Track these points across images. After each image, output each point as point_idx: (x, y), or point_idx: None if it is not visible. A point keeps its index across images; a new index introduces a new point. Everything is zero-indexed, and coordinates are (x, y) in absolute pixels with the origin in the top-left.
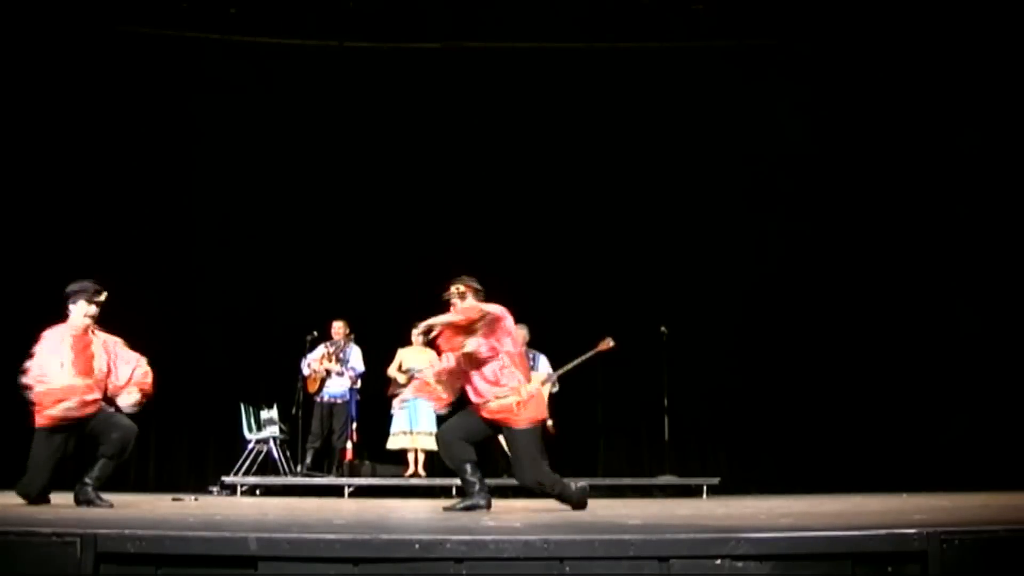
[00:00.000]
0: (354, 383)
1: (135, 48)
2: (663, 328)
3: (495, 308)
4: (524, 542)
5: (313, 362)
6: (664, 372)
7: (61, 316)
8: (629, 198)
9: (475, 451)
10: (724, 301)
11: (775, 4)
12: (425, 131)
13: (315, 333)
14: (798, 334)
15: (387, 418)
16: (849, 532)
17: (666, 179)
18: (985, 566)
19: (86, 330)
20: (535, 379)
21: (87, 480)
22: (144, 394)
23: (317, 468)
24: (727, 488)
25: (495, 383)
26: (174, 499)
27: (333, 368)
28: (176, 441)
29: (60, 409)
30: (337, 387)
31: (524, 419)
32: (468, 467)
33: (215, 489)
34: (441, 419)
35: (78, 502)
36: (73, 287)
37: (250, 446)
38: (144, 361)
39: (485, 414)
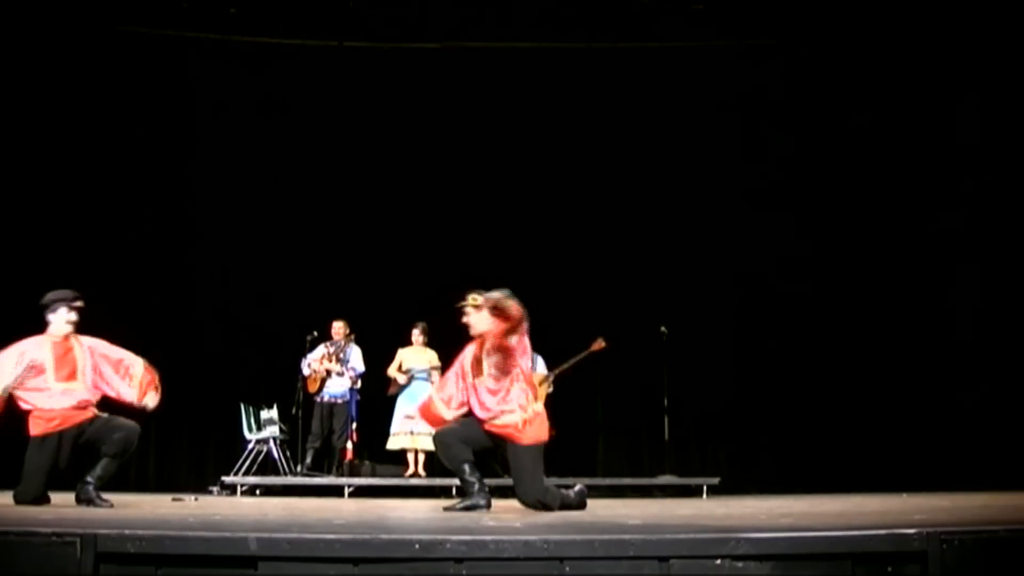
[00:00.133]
0: (354, 383)
1: (135, 48)
2: (663, 328)
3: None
4: (524, 542)
5: (313, 362)
6: (664, 372)
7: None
8: (629, 198)
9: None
10: (724, 301)
11: (775, 4)
12: (425, 131)
13: (315, 333)
14: (798, 334)
15: (387, 418)
16: (849, 532)
17: (666, 179)
18: (985, 566)
19: (67, 337)
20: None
21: (89, 479)
22: (157, 389)
23: (317, 468)
24: (727, 488)
25: (504, 399)
26: (174, 499)
27: (333, 368)
28: (176, 441)
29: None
30: (337, 387)
31: (528, 437)
32: (466, 467)
33: (215, 489)
34: None
35: (79, 501)
36: (50, 296)
37: (250, 446)
38: (134, 356)
39: (488, 428)
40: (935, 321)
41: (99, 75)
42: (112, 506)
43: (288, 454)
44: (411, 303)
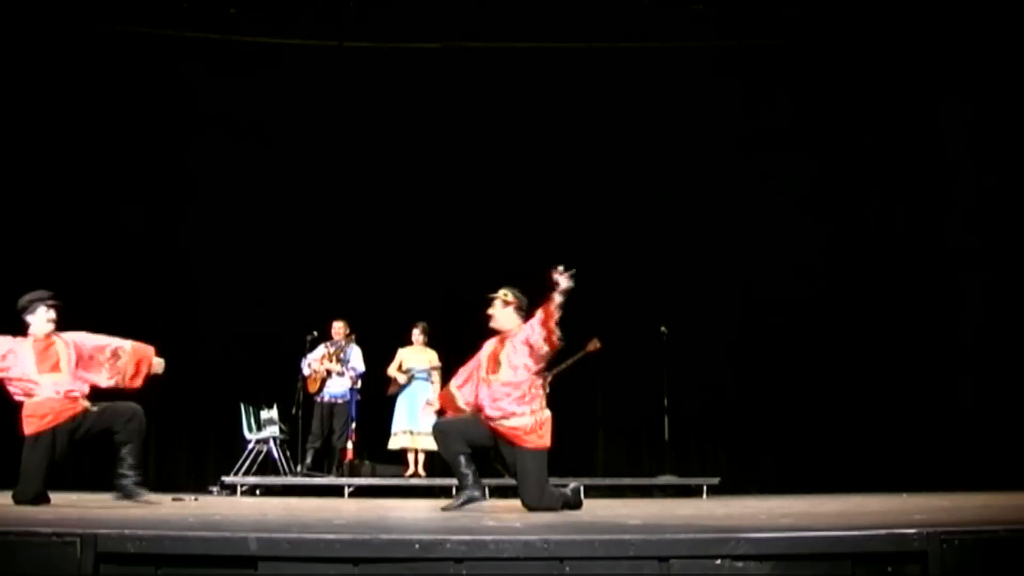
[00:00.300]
0: (354, 383)
1: (135, 48)
2: (663, 328)
3: None
4: (524, 542)
5: (313, 362)
6: (664, 372)
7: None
8: (629, 198)
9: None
10: (724, 301)
11: (775, 4)
12: (425, 131)
13: (315, 333)
14: (798, 334)
15: (387, 418)
16: (849, 532)
17: (666, 179)
18: (985, 566)
19: (48, 335)
20: None
21: (123, 472)
22: (155, 364)
23: (317, 468)
24: (727, 488)
25: (519, 400)
26: (174, 499)
27: (333, 368)
28: (176, 441)
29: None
30: (337, 387)
31: (532, 443)
32: (462, 459)
33: (215, 489)
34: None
35: (120, 497)
36: (27, 298)
37: (250, 446)
38: (121, 340)
39: (494, 427)
40: (935, 321)
41: (99, 75)
42: (156, 503)
43: (288, 454)
44: (411, 303)
